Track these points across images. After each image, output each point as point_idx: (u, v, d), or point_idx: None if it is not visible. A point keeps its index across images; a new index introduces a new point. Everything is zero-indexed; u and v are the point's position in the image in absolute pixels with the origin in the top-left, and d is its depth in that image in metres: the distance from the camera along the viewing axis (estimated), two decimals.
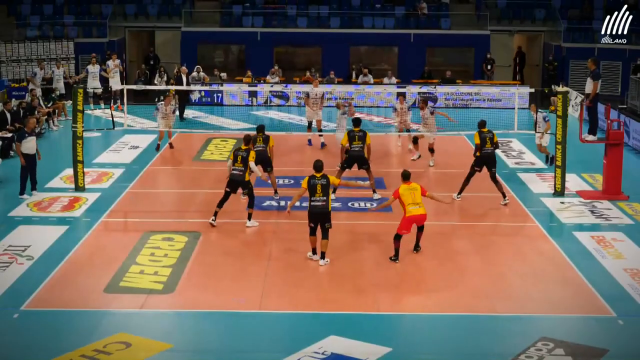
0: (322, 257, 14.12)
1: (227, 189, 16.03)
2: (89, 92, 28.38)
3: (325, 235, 14.06)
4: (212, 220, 16.01)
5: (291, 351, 10.80)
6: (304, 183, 14.18)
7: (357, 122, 18.37)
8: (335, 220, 16.57)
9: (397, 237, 14.43)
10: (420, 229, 14.74)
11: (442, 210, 17.58)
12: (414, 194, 14.44)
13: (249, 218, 16.15)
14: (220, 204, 16.01)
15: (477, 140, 17.80)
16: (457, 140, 23.92)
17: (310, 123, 23.56)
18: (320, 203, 13.99)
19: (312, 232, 14.23)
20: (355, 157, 17.90)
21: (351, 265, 14.28)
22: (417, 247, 14.84)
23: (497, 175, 17.90)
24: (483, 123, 18.07)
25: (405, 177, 14.62)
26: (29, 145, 17.93)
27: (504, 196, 17.74)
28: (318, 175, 14.14)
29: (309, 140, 23.53)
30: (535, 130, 20.43)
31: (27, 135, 17.99)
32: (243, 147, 16.10)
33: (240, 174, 15.84)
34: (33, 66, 30.66)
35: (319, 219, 14.08)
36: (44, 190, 18.48)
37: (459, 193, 18.09)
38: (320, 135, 23.15)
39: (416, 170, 21.10)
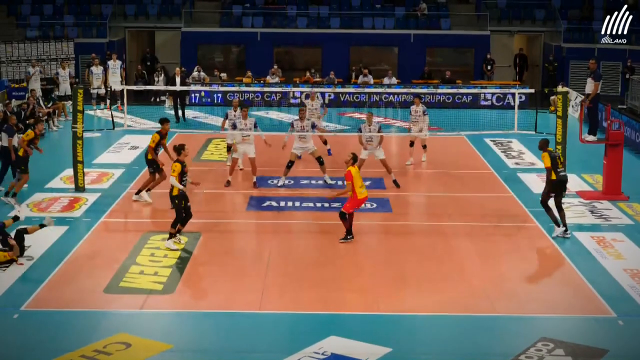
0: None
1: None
2: (92, 92, 28.35)
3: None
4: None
5: (291, 351, 10.80)
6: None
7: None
8: (335, 221, 16.62)
9: (345, 217, 15.14)
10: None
11: (442, 210, 17.59)
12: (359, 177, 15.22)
13: (169, 237, 14.81)
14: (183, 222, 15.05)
15: (548, 163, 15.52)
16: (457, 141, 23.93)
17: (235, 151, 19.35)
18: None
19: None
20: None
21: (351, 265, 14.29)
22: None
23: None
24: (546, 142, 15.88)
25: (355, 159, 15.35)
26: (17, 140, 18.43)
27: (563, 225, 15.55)
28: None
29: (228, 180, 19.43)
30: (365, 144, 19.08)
31: (15, 131, 18.59)
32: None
33: (170, 189, 14.85)
34: (27, 66, 30.67)
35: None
36: (44, 191, 18.49)
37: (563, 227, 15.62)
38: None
39: (416, 170, 21.18)
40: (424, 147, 21.45)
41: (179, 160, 14.76)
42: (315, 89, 23.67)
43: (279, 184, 19.02)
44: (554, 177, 15.46)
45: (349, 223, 15.21)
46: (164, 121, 17.97)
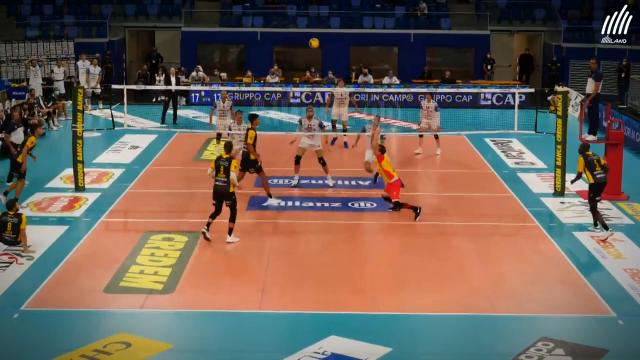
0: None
1: (214, 202, 15.25)
2: (87, 92, 28.30)
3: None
4: (205, 230, 15.13)
5: (291, 351, 10.79)
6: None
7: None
8: (335, 220, 16.64)
9: (401, 204, 16.26)
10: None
11: (442, 210, 17.59)
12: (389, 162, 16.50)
13: (230, 232, 15.13)
14: (213, 216, 15.26)
15: (581, 168, 15.76)
16: (457, 140, 23.92)
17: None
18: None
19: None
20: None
21: (351, 265, 14.28)
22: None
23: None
24: (585, 147, 16.14)
25: (383, 150, 16.39)
26: (18, 136, 18.90)
27: (601, 226, 15.57)
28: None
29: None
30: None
31: (15, 126, 19.17)
32: (224, 155, 15.02)
33: (224, 185, 14.91)
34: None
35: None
36: (43, 190, 18.49)
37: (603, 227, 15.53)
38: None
39: (420, 170, 21.19)
40: (436, 137, 22.17)
41: (233, 156, 15.25)
42: (339, 89, 24.03)
43: (292, 184, 18.98)
44: (591, 180, 15.63)
45: (409, 204, 16.40)
46: (253, 117, 17.59)
